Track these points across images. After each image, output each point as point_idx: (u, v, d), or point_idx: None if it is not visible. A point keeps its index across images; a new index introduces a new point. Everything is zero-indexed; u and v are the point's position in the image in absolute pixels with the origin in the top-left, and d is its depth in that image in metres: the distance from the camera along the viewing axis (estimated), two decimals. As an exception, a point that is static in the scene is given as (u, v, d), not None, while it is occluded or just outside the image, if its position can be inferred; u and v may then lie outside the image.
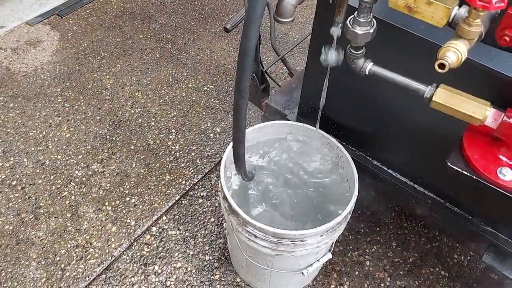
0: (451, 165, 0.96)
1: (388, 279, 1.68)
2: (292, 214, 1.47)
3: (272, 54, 2.43)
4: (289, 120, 1.56)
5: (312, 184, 1.51)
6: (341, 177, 1.45)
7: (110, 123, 2.12)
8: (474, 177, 0.93)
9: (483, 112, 0.92)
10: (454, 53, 0.74)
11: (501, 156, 0.94)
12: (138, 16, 2.66)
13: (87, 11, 2.69)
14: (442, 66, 0.74)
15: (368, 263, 1.72)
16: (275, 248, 1.28)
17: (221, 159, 2.01)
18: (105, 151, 2.01)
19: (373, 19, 0.95)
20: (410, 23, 1.02)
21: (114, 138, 2.06)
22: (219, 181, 1.35)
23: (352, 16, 0.96)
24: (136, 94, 2.25)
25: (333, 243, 1.43)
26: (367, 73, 1.04)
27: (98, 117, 2.14)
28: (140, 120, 2.14)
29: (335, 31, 1.01)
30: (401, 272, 1.70)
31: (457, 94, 0.94)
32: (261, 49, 2.45)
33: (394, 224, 1.83)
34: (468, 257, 1.75)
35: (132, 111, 2.17)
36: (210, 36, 2.57)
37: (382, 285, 1.67)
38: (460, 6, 0.80)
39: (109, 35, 2.54)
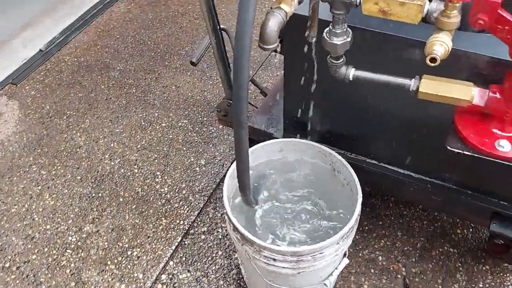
0: (451, 148, 1.00)
1: (403, 268, 1.71)
2: (299, 230, 1.49)
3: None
4: (276, 137, 1.58)
5: (313, 195, 1.53)
6: (340, 182, 1.48)
7: (93, 180, 2.07)
8: (476, 154, 0.97)
9: (470, 93, 0.97)
10: (441, 45, 0.78)
11: (494, 130, 0.99)
12: (95, 68, 2.63)
13: (42, 74, 2.63)
14: (433, 60, 0.78)
15: (380, 258, 1.75)
16: (296, 267, 1.28)
17: (213, 191, 2.01)
18: (95, 209, 1.96)
19: (348, 28, 0.99)
20: (383, 24, 1.06)
21: (100, 195, 2.01)
22: (225, 213, 1.34)
23: (328, 28, 1.00)
24: (112, 145, 2.21)
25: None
26: (351, 79, 1.08)
27: (79, 177, 2.08)
28: (122, 170, 2.10)
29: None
30: (414, 259, 1.74)
31: (441, 81, 0.99)
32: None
33: (395, 215, 1.87)
34: (471, 230, 1.81)
35: (112, 163, 2.13)
36: (172, 72, 2.57)
37: (399, 276, 1.69)
38: (430, 1, 0.85)
39: (70, 93, 2.49)
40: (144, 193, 2.01)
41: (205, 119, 2.30)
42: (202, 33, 2.80)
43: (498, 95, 0.94)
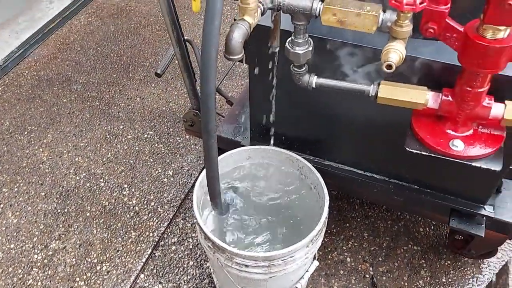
0: (409, 149, 1.06)
1: (371, 268, 1.77)
2: (269, 235, 1.51)
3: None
4: (244, 145, 1.60)
5: (282, 201, 1.56)
6: (308, 186, 1.52)
7: (58, 196, 2.02)
8: (432, 154, 1.03)
9: (424, 97, 1.03)
10: (395, 53, 0.84)
11: (448, 131, 1.05)
12: (56, 82, 2.58)
13: (0, 89, 2.55)
14: (389, 66, 0.83)
15: (348, 259, 1.80)
16: (268, 272, 1.30)
17: (182, 201, 2.00)
18: (61, 225, 1.91)
19: (309, 38, 1.04)
20: (341, 34, 1.11)
21: (66, 210, 1.97)
22: (195, 222, 1.35)
23: (290, 38, 1.04)
24: (77, 159, 2.17)
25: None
26: (314, 86, 1.12)
27: (43, 193, 2.03)
28: (88, 184, 2.07)
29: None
30: (380, 259, 1.80)
31: (398, 87, 1.05)
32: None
33: (361, 216, 1.93)
34: (432, 227, 1.89)
35: (77, 178, 2.09)
36: (136, 84, 2.56)
37: (367, 275, 1.75)
38: (384, 11, 0.91)
39: (30, 108, 2.43)
40: (112, 207, 1.98)
41: (171, 129, 2.30)
42: (165, 44, 2.80)
43: (450, 98, 1.01)
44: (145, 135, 2.28)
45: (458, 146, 1.02)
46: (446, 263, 1.78)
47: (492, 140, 1.02)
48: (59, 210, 1.97)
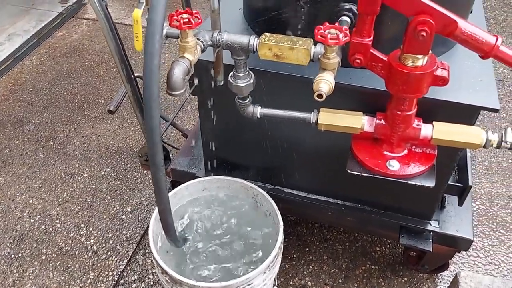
0: (350, 171, 1.12)
1: (332, 291, 1.80)
2: (229, 264, 1.52)
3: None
4: (199, 177, 1.63)
5: (239, 229, 1.58)
6: (264, 213, 1.55)
7: (11, 241, 1.96)
8: (371, 175, 1.10)
9: (360, 121, 1.10)
10: (325, 83, 0.90)
11: (385, 152, 1.12)
12: (7, 123, 2.53)
13: None
14: (320, 96, 0.90)
15: (309, 283, 1.82)
16: (227, 301, 1.31)
17: (141, 237, 1.98)
18: (15, 271, 1.85)
19: (250, 71, 1.10)
20: (280, 66, 1.18)
21: (20, 255, 1.90)
22: (152, 258, 1.35)
23: (232, 72, 1.10)
24: (31, 201, 2.12)
25: (276, 276, 1.50)
26: (258, 116, 1.17)
27: (-5, 239, 1.96)
28: (43, 227, 2.01)
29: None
30: (340, 280, 1.83)
31: (336, 113, 1.12)
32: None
33: (320, 240, 1.97)
34: (388, 246, 1.95)
35: (32, 220, 2.04)
36: (91, 121, 2.55)
37: (329, 298, 1.78)
38: (315, 45, 0.98)
39: (-20, 151, 2.37)
40: (69, 248, 1.94)
41: (128, 165, 2.29)
42: (120, 81, 2.81)
43: (383, 122, 1.08)
44: (102, 172, 2.26)
45: (394, 166, 1.09)
46: (403, 280, 1.83)
47: (425, 159, 1.10)
48: (12, 255, 1.90)
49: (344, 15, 1.07)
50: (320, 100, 0.90)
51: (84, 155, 2.35)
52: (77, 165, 2.30)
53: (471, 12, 1.33)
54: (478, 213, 2.07)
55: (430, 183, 1.06)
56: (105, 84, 2.81)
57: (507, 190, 2.17)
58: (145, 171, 2.25)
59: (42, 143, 2.42)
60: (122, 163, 2.30)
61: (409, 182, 1.07)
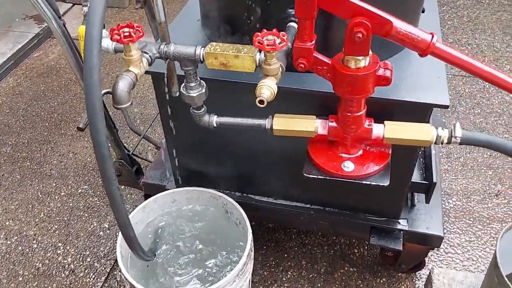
0: (307, 175, 1.12)
1: (311, 296, 1.79)
2: (201, 275, 1.52)
3: (135, 135, 2.49)
4: (169, 189, 1.63)
5: (211, 240, 1.58)
6: (234, 222, 1.55)
7: (-13, 264, 1.94)
8: (328, 177, 1.10)
9: (313, 125, 1.11)
10: (267, 89, 0.91)
11: (341, 154, 1.13)
12: (-17, 146, 2.53)
13: None
14: (261, 102, 0.90)
15: (289, 290, 1.82)
16: (199, 311, 1.30)
17: (119, 252, 1.97)
18: (-10, 295, 1.83)
19: (201, 81, 1.11)
20: (231, 74, 1.19)
21: (-4, 278, 1.89)
22: (120, 272, 1.34)
23: (183, 83, 1.10)
24: (7, 223, 2.11)
25: (250, 284, 1.50)
26: (215, 125, 1.18)
27: (-29, 263, 1.95)
28: (20, 248, 2.00)
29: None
30: (319, 285, 1.83)
31: (289, 118, 1.13)
32: (122, 134, 2.50)
33: (298, 245, 1.97)
34: (366, 247, 1.95)
35: (8, 242, 2.03)
36: (68, 140, 2.54)
37: (308, 303, 1.77)
38: (260, 52, 0.99)
39: (-44, 175, 2.36)
40: (46, 268, 1.92)
41: (105, 182, 2.28)
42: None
43: (335, 124, 1.09)
44: (79, 190, 2.26)
45: (349, 167, 1.09)
46: (381, 281, 1.83)
47: (380, 158, 1.11)
48: (-12, 279, 1.89)
49: (292, 21, 1.08)
50: (261, 106, 0.91)
51: (61, 174, 2.34)
52: (54, 184, 2.29)
53: (423, 11, 1.35)
54: (455, 209, 2.08)
55: (385, 182, 1.07)
56: (82, 102, 2.81)
57: (483, 185, 2.18)
58: (122, 187, 2.24)
59: (19, 164, 2.41)
60: (99, 180, 2.30)
61: (364, 182, 1.08)
